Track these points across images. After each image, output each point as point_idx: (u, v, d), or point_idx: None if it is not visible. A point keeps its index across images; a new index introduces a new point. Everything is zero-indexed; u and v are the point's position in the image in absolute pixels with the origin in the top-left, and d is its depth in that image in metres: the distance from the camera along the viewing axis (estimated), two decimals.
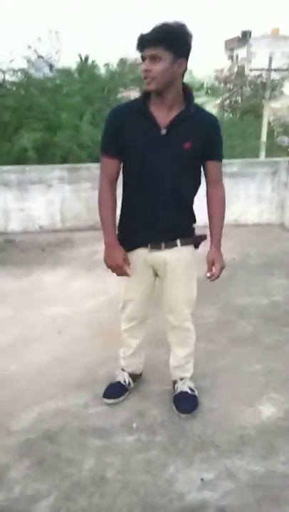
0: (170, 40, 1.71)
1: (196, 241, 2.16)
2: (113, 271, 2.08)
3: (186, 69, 1.83)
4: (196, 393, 2.37)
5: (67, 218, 5.37)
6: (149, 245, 2.07)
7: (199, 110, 1.96)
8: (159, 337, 3.00)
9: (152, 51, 1.72)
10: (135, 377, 2.50)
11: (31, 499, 1.83)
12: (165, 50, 1.71)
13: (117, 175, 2.00)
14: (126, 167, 1.99)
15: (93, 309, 3.43)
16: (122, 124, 1.89)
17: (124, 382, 2.44)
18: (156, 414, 2.28)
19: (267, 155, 14.16)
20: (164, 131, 1.87)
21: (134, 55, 10.13)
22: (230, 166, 5.24)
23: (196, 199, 2.10)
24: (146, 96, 1.89)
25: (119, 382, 2.44)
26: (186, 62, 1.80)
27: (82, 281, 4.00)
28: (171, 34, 1.72)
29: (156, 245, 2.08)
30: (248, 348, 2.89)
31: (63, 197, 5.29)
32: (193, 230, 2.15)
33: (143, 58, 1.76)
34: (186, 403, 2.31)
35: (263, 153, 14.36)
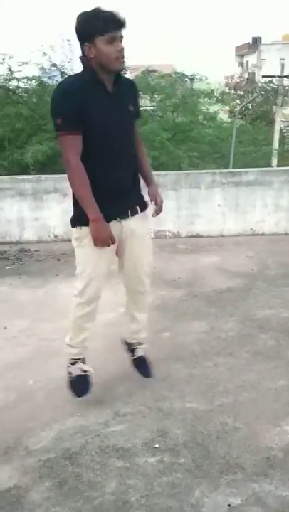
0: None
1: (146, 207, 2.30)
2: (103, 243, 2.06)
3: None
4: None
5: None
6: (118, 217, 2.15)
7: (122, 77, 2.12)
8: (178, 352, 2.95)
9: (122, 33, 1.91)
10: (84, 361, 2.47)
11: None
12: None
13: (81, 150, 2.01)
14: (87, 138, 1.99)
15: (110, 322, 3.37)
16: (79, 97, 1.93)
17: (84, 371, 2.41)
18: (179, 434, 2.21)
19: (279, 161, 14.02)
20: (114, 95, 2.02)
21: (136, 60, 10.09)
22: (246, 174, 5.17)
23: None
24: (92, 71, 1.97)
25: (79, 376, 2.40)
26: None
27: None
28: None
29: (124, 215, 2.18)
30: (271, 363, 2.81)
31: None
32: (143, 196, 2.30)
33: (114, 39, 1.88)
34: (148, 368, 2.55)
35: (275, 160, 14.23)
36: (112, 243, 2.10)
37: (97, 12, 1.88)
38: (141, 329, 2.56)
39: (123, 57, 1.93)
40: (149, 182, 2.31)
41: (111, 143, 2.02)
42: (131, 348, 2.60)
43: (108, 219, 2.08)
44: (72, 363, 2.42)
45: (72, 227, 2.20)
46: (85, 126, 1.96)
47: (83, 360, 2.44)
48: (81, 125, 1.95)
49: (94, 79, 1.96)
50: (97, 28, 1.85)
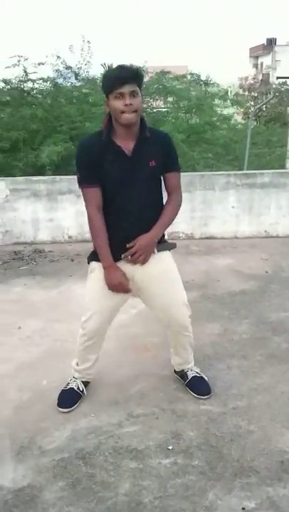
0: (140, 78, 2.04)
1: (169, 247, 2.35)
2: (115, 290, 2.19)
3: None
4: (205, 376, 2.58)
5: None
6: (129, 257, 2.19)
7: (152, 130, 2.18)
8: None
9: (132, 88, 1.98)
10: (86, 383, 2.55)
11: None
12: (138, 86, 2.01)
13: (101, 201, 2.13)
14: (102, 190, 2.14)
15: (122, 323, 3.37)
16: (96, 154, 2.08)
17: (78, 389, 2.49)
18: (193, 436, 2.21)
19: None
20: (130, 155, 2.11)
21: (151, 62, 10.05)
22: (261, 176, 5.14)
23: None
24: (110, 128, 2.10)
25: (72, 389, 2.49)
26: None
27: None
28: (140, 73, 2.05)
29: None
30: (285, 366, 2.79)
31: None
32: (164, 236, 2.32)
33: (121, 94, 1.97)
34: (202, 386, 2.51)
35: (288, 162, 14.11)
36: (125, 291, 2.21)
37: (110, 71, 2.07)
38: (187, 360, 2.56)
39: (133, 111, 1.99)
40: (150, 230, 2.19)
41: (119, 198, 2.13)
42: (180, 374, 2.60)
43: (117, 259, 2.19)
44: (73, 379, 2.53)
45: (88, 263, 2.34)
46: (100, 181, 2.11)
47: (85, 382, 2.54)
48: (98, 179, 2.10)
49: (108, 140, 2.09)
50: (107, 87, 2.02)
